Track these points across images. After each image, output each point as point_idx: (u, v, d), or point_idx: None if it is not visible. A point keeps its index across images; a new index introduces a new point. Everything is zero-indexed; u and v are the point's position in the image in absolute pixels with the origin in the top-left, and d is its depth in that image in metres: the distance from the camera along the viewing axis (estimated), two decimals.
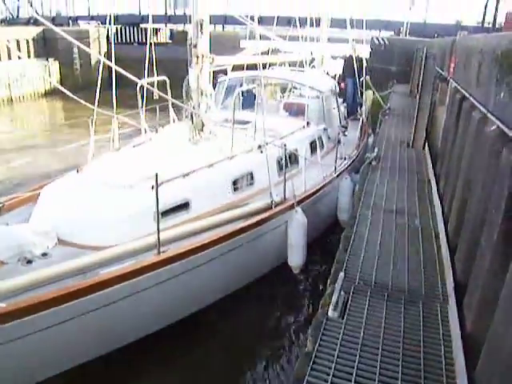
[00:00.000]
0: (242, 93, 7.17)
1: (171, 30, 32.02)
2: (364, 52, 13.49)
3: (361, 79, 11.24)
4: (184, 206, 5.12)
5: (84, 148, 6.39)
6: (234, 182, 5.80)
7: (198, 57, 6.33)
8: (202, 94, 6.48)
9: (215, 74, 7.53)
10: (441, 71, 7.79)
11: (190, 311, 5.03)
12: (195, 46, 6.33)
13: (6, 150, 12.18)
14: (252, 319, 5.62)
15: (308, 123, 7.76)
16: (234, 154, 5.96)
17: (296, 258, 5.72)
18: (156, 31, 31.21)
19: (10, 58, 22.08)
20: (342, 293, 3.46)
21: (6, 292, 3.51)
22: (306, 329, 5.58)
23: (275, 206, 5.58)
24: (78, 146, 6.83)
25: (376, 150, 7.76)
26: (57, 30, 4.43)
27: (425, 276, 4.09)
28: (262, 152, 6.14)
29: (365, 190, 6.12)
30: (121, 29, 28.93)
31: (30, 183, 6.09)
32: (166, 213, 4.77)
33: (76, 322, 3.74)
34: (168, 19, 29.93)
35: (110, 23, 7.18)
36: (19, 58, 22.05)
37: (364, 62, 11.29)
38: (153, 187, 4.78)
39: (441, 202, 5.63)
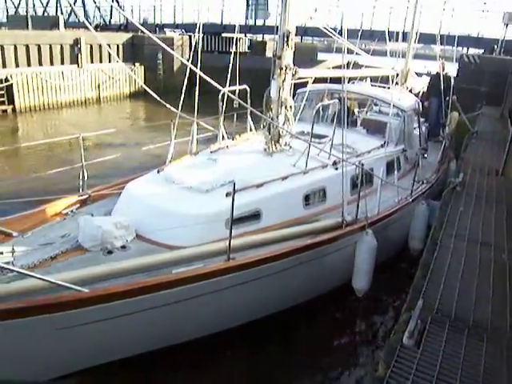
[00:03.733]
0: (322, 107, 7.20)
1: (250, 40, 32.87)
2: (452, 70, 12.96)
3: (446, 99, 10.80)
4: (255, 215, 5.24)
5: (164, 149, 6.75)
6: (306, 197, 5.83)
7: (281, 68, 6.48)
8: (281, 105, 6.62)
9: (295, 85, 7.64)
10: None
11: (248, 319, 5.14)
12: (279, 58, 6.49)
13: (96, 146, 13.30)
14: (310, 335, 5.65)
15: (386, 142, 7.61)
16: (308, 168, 6.00)
17: (361, 281, 5.60)
18: (236, 41, 32.18)
19: (101, 61, 24.02)
20: (419, 321, 3.35)
21: (88, 278, 3.81)
22: (364, 351, 5.67)
23: (346, 226, 5.53)
24: (158, 147, 7.25)
25: (461, 175, 7.40)
26: (153, 37, 4.78)
27: (510, 315, 3.82)
28: (336, 169, 6.13)
29: (447, 216, 5.86)
30: (203, 37, 30.14)
31: (115, 178, 6.55)
32: (238, 221, 4.91)
33: (144, 315, 3.98)
34: (248, 29, 30.77)
35: (198, 31, 7.58)
36: (109, 61, 23.89)
37: (452, 80, 10.84)
38: (227, 194, 5.01)
39: None
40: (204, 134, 7.48)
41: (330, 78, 8.26)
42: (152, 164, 6.87)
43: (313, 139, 6.19)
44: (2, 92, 19.54)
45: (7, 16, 37.56)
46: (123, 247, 4.66)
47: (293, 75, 6.65)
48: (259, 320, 5.20)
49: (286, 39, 6.39)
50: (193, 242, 4.67)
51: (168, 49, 5.13)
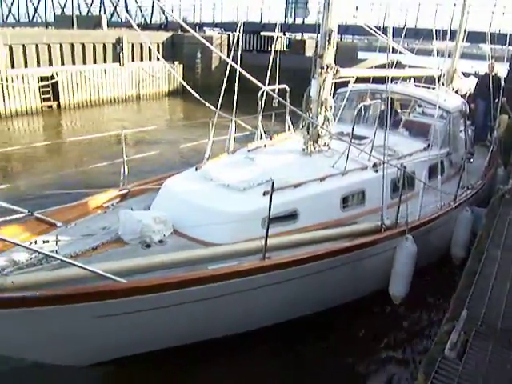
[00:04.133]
0: (364, 107, 7.10)
1: (289, 39, 32.81)
2: (502, 71, 12.44)
3: (495, 101, 10.38)
4: (292, 216, 5.24)
5: (202, 147, 6.85)
6: (344, 199, 5.77)
7: (322, 67, 6.42)
8: (321, 105, 6.56)
9: (336, 85, 7.57)
10: None
11: (281, 319, 5.16)
12: (321, 57, 6.44)
13: (137, 142, 13.69)
14: (343, 339, 5.64)
15: (430, 145, 7.39)
16: (347, 169, 5.92)
17: (399, 288, 5.46)
18: (275, 40, 32.26)
19: (141, 59, 24.65)
20: (462, 333, 3.23)
21: (126, 270, 3.93)
22: (397, 359, 5.57)
23: (385, 230, 5.43)
24: (196, 145, 7.38)
25: (510, 182, 7.09)
26: (198, 36, 4.85)
27: None
28: (376, 171, 6.02)
29: (494, 225, 5.63)
30: (242, 36, 30.27)
31: (154, 174, 6.73)
32: (274, 220, 4.91)
33: (179, 309, 4.09)
34: (287, 28, 30.71)
35: (237, 30, 7.64)
36: (150, 59, 24.50)
37: (502, 81, 10.41)
38: (264, 193, 5.03)
39: None
40: (241, 133, 7.54)
41: (373, 78, 8.12)
42: (190, 161, 7.01)
43: (353, 140, 6.11)
44: (48, 89, 20.42)
45: (54, 16, 39.15)
46: (161, 241, 4.78)
47: (334, 74, 6.58)
48: (293, 320, 5.20)
49: (327, 38, 6.33)
50: (228, 239, 4.73)
51: (212, 47, 5.25)
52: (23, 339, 3.77)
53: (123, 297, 3.70)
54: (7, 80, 18.77)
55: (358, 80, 7.95)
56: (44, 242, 4.54)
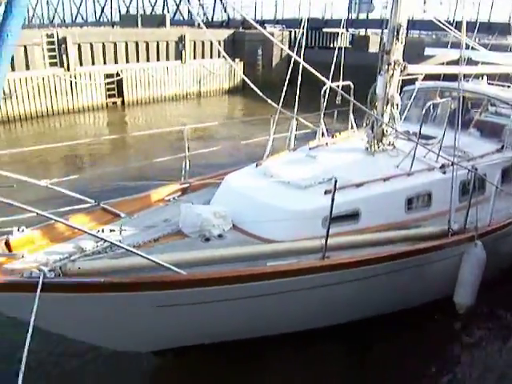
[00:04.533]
0: (433, 105, 6.85)
1: (352, 35, 32.25)
2: None
3: None
4: (353, 216, 5.17)
5: (262, 144, 6.93)
6: (409, 201, 5.60)
7: (389, 64, 6.28)
8: (387, 103, 6.42)
9: (402, 83, 7.36)
10: None
11: (338, 321, 5.14)
12: (388, 53, 6.30)
13: (198, 138, 14.11)
14: (401, 345, 5.56)
15: (504, 147, 7.00)
16: (413, 170, 5.75)
17: (465, 296, 5.21)
18: (337, 36, 31.88)
19: (202, 57, 25.28)
20: None
21: (186, 262, 4.04)
22: (459, 371, 5.39)
23: (452, 235, 5.21)
24: (257, 141, 7.48)
25: None
26: (268, 34, 4.90)
27: None
28: (444, 173, 5.80)
29: None
30: (303, 33, 30.14)
31: (214, 169, 6.90)
32: (335, 220, 4.86)
33: (236, 303, 4.14)
34: (351, 23, 30.19)
35: (300, 26, 7.63)
36: (211, 57, 25.07)
37: None
38: (326, 192, 4.99)
39: None
40: (303, 131, 7.53)
41: (444, 75, 7.81)
42: (250, 158, 7.09)
43: (420, 140, 5.92)
44: (113, 86, 21.50)
45: (120, 15, 41.03)
46: (220, 236, 4.88)
47: (401, 71, 6.40)
48: (352, 322, 5.16)
49: (396, 33, 6.18)
50: (288, 236, 4.74)
51: (279, 44, 5.31)
52: (86, 323, 3.97)
53: (183, 288, 3.82)
54: (76, 77, 19.96)
55: (426, 78, 7.70)
56: (110, 231, 4.78)
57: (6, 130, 17.31)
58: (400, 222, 5.46)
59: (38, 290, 3.14)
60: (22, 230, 4.35)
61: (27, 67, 18.80)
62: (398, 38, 6.21)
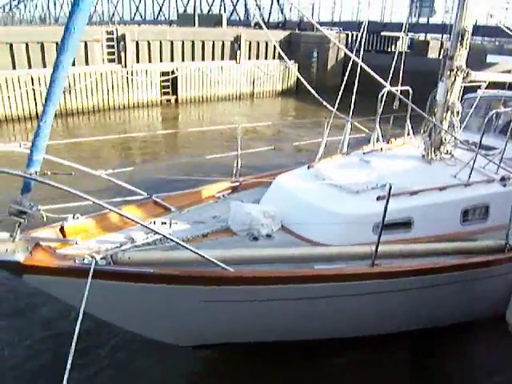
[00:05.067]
0: (496, 114, 6.63)
1: (411, 39, 31.54)
2: None
3: None
4: (405, 224, 5.10)
5: (314, 146, 6.96)
6: (465, 213, 5.46)
7: (451, 70, 6.15)
8: (447, 110, 6.29)
9: (464, 89, 7.17)
10: None
11: (382, 331, 5.08)
12: (451, 58, 6.17)
13: (251, 137, 14.35)
14: (448, 361, 5.43)
15: None
16: (471, 181, 5.61)
17: None
18: (396, 40, 31.31)
19: (257, 58, 25.57)
20: None
21: (233, 259, 4.10)
22: None
23: (509, 250, 5.02)
24: (309, 143, 7.52)
25: None
26: (331, 36, 4.95)
27: None
28: (505, 185, 5.63)
29: None
30: (362, 36, 29.75)
31: (265, 169, 7.00)
32: (387, 227, 4.81)
33: (280, 304, 4.19)
34: (410, 28, 29.55)
35: (361, 29, 7.60)
36: (265, 58, 25.34)
37: None
38: (378, 198, 4.96)
39: None
40: (356, 135, 7.49)
41: (509, 84, 7.55)
42: (301, 159, 7.14)
43: (480, 150, 5.76)
44: (168, 83, 22.18)
45: (177, 14, 42.22)
46: (268, 236, 4.94)
47: (464, 78, 6.24)
48: (396, 334, 5.09)
49: (460, 38, 6.05)
50: (337, 241, 4.74)
51: (342, 47, 5.35)
52: (131, 312, 4.12)
53: (229, 285, 3.89)
54: (132, 74, 20.76)
55: (489, 85, 7.46)
56: (162, 223, 4.95)
57: (64, 122, 18.27)
58: (454, 233, 5.33)
59: (90, 276, 3.26)
60: (77, 218, 4.58)
61: (86, 62, 19.78)
62: (462, 44, 6.07)
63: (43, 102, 3.40)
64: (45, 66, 18.73)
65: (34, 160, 3.39)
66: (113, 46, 20.45)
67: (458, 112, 6.31)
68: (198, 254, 3.67)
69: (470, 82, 6.51)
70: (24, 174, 3.24)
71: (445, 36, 26.25)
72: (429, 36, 30.54)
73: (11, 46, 18.20)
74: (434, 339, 5.33)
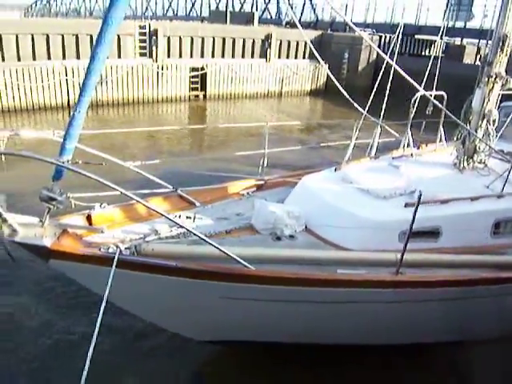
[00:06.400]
0: None
1: (446, 44, 30.90)
2: None
3: None
4: (433, 233, 4.98)
5: (341, 148, 6.87)
6: (497, 225, 5.30)
7: (490, 76, 5.98)
8: (483, 118, 6.12)
9: (502, 97, 6.97)
10: None
11: (403, 341, 4.99)
12: (490, 64, 6.00)
13: (278, 136, 14.31)
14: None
15: None
16: (505, 192, 5.43)
17: None
18: (430, 44, 30.75)
19: (287, 57, 25.49)
20: None
21: (255, 258, 4.07)
22: None
23: None
24: (337, 145, 7.45)
25: None
26: (367, 39, 4.88)
27: None
28: None
29: None
30: (397, 38, 29.34)
31: (291, 168, 6.95)
32: (413, 235, 4.70)
33: (299, 306, 4.16)
34: (446, 31, 28.99)
35: (396, 32, 7.47)
36: (295, 57, 25.24)
37: None
38: (406, 205, 4.86)
39: None
40: (386, 139, 7.37)
41: None
42: (328, 161, 7.07)
43: None
44: (197, 79, 22.36)
45: (209, 11, 42.44)
46: (291, 236, 4.89)
47: (503, 85, 6.07)
48: (418, 344, 4.99)
49: (501, 44, 5.87)
50: (361, 246, 4.67)
51: (377, 48, 5.27)
52: (152, 303, 4.15)
53: (249, 283, 3.88)
54: (162, 68, 21.00)
55: None
56: (187, 217, 4.97)
57: (94, 114, 18.62)
58: (484, 246, 5.18)
59: (114, 265, 3.33)
60: (104, 207, 4.66)
61: (119, 56, 20.09)
62: (502, 50, 5.90)
63: (77, 92, 3.45)
64: (78, 57, 19.19)
65: (66, 148, 3.44)
66: (145, 41, 20.72)
67: (494, 120, 6.14)
68: (220, 250, 3.68)
69: (509, 89, 6.33)
70: (56, 162, 3.31)
71: (482, 41, 25.61)
72: (464, 41, 29.84)
73: (47, 37, 18.69)
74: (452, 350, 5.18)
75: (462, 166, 6.16)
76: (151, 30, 20.76)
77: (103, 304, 2.99)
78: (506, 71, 6.15)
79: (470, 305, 4.65)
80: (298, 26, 6.54)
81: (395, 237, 4.68)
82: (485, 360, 5.33)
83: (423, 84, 6.65)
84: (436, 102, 5.15)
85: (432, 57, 8.12)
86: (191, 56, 22.70)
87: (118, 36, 19.62)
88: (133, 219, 4.84)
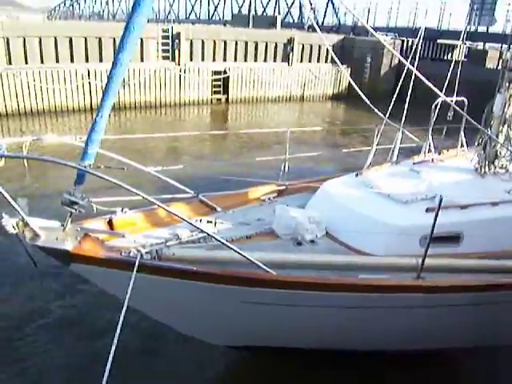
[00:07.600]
0: None
1: (469, 48, 30.48)
2: None
3: None
4: (454, 238, 4.96)
5: (362, 153, 6.88)
6: None
7: (511, 81, 5.96)
8: (504, 123, 6.09)
9: None
10: None
11: (424, 346, 4.97)
12: (511, 70, 5.98)
13: (299, 141, 14.30)
14: None
15: None
16: None
17: None
18: (452, 48, 30.38)
19: (309, 61, 25.50)
20: None
21: (276, 263, 4.10)
22: None
23: None
24: (358, 150, 7.44)
25: None
26: (386, 43, 4.91)
27: None
28: None
29: None
30: (418, 43, 29.06)
31: (312, 174, 6.96)
32: (434, 240, 4.70)
33: (319, 311, 4.15)
34: (469, 36, 28.56)
35: (417, 36, 7.46)
36: (318, 61, 25.23)
37: None
38: (428, 210, 4.86)
39: None
40: (407, 144, 7.35)
41: None
42: (349, 166, 7.07)
43: None
44: (219, 83, 22.55)
45: (232, 15, 42.72)
46: (312, 241, 4.92)
47: None
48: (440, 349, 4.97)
49: None
50: (382, 251, 4.67)
51: (397, 54, 5.26)
52: (173, 307, 4.19)
53: (271, 288, 3.89)
54: (185, 72, 21.23)
55: None
56: (208, 222, 5.02)
57: (117, 116, 18.91)
58: (505, 251, 5.14)
59: (135, 269, 3.35)
60: (125, 212, 4.67)
61: (141, 59, 20.40)
62: None
63: (100, 95, 3.52)
64: (101, 60, 19.54)
65: (88, 153, 3.49)
66: (167, 44, 21.01)
67: None
68: (241, 254, 3.69)
69: None
70: (78, 166, 3.36)
71: (504, 46, 25.21)
72: (487, 45, 29.40)
73: (71, 39, 19.08)
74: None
75: (483, 171, 6.11)
76: (174, 33, 21.04)
77: (124, 308, 2.98)
78: None
79: (491, 310, 4.61)
80: (318, 30, 6.59)
81: (416, 242, 4.68)
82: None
83: (444, 89, 6.66)
84: (457, 108, 5.14)
85: (453, 61, 8.07)
86: (214, 59, 22.92)
87: (141, 39, 19.88)
88: (154, 224, 4.87)
